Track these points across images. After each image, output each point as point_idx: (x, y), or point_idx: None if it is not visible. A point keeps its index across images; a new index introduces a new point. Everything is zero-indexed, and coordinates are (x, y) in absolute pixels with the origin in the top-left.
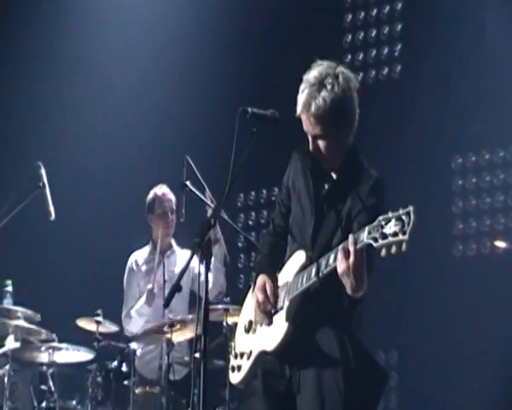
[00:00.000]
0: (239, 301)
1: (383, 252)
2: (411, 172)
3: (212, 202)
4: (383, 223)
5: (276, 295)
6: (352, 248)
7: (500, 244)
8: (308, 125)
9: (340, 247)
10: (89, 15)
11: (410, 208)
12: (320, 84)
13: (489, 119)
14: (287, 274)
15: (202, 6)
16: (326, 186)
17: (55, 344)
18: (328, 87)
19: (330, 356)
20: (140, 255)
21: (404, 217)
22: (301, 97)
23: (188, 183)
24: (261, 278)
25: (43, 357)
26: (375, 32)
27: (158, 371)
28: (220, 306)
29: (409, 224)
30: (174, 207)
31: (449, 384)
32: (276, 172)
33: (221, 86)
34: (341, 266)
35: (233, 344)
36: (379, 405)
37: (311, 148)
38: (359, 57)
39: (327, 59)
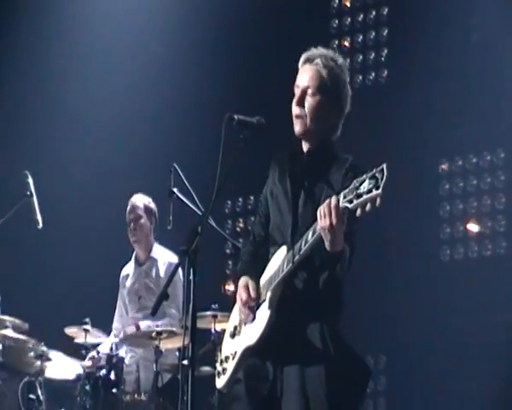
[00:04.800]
0: (227, 307)
1: (358, 211)
2: (398, 176)
3: (199, 208)
4: (357, 185)
5: (258, 292)
6: (332, 206)
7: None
8: (304, 77)
9: (320, 207)
10: (75, 24)
11: (384, 165)
12: (326, 52)
13: (475, 122)
14: (270, 271)
15: (191, 13)
16: (299, 171)
17: (43, 353)
18: (333, 55)
19: (312, 354)
20: (128, 269)
21: (377, 174)
22: (306, 53)
23: (175, 190)
24: (243, 279)
25: (32, 366)
26: (361, 38)
27: (133, 383)
28: (208, 312)
29: (382, 179)
30: (140, 212)
31: (437, 388)
32: (263, 178)
33: (207, 93)
34: (322, 223)
35: (219, 353)
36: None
37: (295, 102)
38: (346, 62)
39: None
